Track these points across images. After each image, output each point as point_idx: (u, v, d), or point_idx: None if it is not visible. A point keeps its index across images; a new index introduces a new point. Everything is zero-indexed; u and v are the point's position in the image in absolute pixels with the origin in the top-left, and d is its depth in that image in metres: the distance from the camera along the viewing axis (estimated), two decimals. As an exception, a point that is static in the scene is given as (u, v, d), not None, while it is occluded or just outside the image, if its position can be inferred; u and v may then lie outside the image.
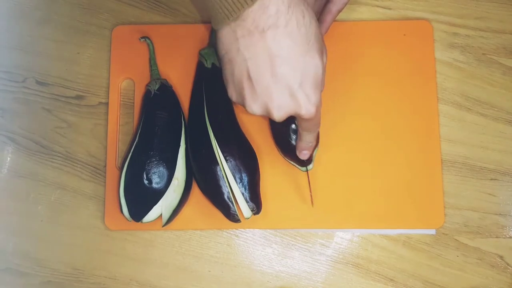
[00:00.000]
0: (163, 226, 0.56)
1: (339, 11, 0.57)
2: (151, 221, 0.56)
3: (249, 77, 0.44)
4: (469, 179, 0.60)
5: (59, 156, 0.62)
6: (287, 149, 0.56)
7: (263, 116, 0.46)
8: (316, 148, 0.57)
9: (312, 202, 0.57)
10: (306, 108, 0.45)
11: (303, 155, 0.54)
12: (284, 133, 0.56)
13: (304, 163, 0.56)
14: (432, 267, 0.59)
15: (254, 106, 0.45)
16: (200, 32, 0.62)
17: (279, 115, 0.45)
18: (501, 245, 0.59)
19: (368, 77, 0.61)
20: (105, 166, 0.60)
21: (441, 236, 0.59)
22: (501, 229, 0.59)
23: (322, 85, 0.46)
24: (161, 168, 0.55)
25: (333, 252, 0.59)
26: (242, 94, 0.46)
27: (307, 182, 0.58)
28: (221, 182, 0.54)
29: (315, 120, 0.47)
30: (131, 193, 0.55)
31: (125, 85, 0.62)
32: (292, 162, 0.57)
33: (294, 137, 0.55)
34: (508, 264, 0.59)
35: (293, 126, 0.55)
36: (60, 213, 0.60)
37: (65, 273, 0.60)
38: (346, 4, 0.57)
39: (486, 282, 0.58)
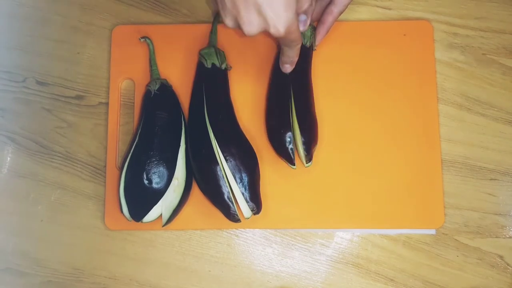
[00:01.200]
0: (163, 226, 0.56)
1: (340, 12, 0.57)
2: (151, 221, 0.56)
3: None
4: (469, 179, 0.60)
5: (59, 156, 0.62)
6: (279, 146, 0.56)
7: (237, 30, 0.47)
8: (315, 146, 0.57)
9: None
10: (274, 27, 0.45)
11: (285, 68, 0.56)
12: (277, 130, 0.56)
13: (293, 161, 0.56)
14: (432, 267, 0.59)
15: (227, 20, 0.46)
16: (200, 32, 0.62)
17: (249, 31, 0.46)
18: (501, 245, 0.59)
19: (368, 77, 0.61)
20: (105, 166, 0.60)
21: (441, 236, 0.59)
22: (501, 229, 0.59)
23: (300, 3, 0.46)
24: (161, 168, 0.55)
25: (333, 252, 0.59)
26: (217, 6, 0.46)
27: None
28: (221, 182, 0.54)
29: (290, 37, 0.48)
30: (131, 193, 0.55)
31: (125, 85, 0.62)
32: (282, 158, 0.57)
33: (286, 135, 0.55)
34: (508, 264, 0.59)
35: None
36: (60, 213, 0.60)
37: (65, 273, 0.60)
38: (347, 6, 0.57)
39: (486, 282, 0.58)
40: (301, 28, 0.56)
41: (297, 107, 0.56)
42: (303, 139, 0.55)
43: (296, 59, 0.55)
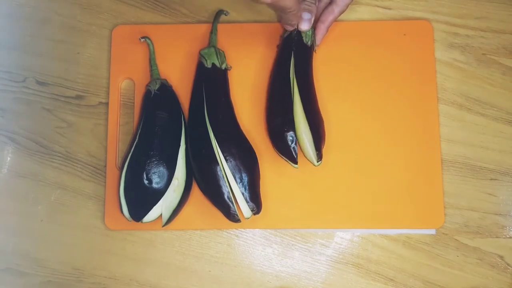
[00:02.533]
0: (163, 226, 0.56)
1: (341, 12, 0.58)
2: (151, 221, 0.56)
3: None
4: (469, 179, 0.60)
5: (59, 156, 0.62)
6: (282, 145, 0.56)
7: None
8: (324, 144, 0.57)
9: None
10: None
11: (287, 27, 0.58)
12: (280, 129, 0.56)
13: (296, 160, 0.56)
14: (432, 267, 0.59)
15: None
16: (200, 32, 0.62)
17: None
18: (501, 245, 0.59)
19: (368, 77, 0.61)
20: (105, 166, 0.60)
21: (441, 236, 0.59)
22: (501, 229, 0.59)
23: None
24: (161, 168, 0.55)
25: (333, 252, 0.59)
26: None
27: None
28: (221, 182, 0.54)
29: (279, 5, 0.50)
30: (131, 193, 0.55)
31: (125, 85, 0.62)
32: (284, 158, 0.57)
33: (289, 134, 0.55)
34: (508, 264, 0.59)
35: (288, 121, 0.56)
36: (60, 213, 0.60)
37: (65, 273, 0.60)
38: (348, 5, 0.57)
39: (486, 282, 0.58)
40: (306, 27, 0.56)
41: (305, 106, 0.56)
42: (313, 138, 0.55)
43: (295, 22, 0.56)
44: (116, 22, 0.64)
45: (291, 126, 0.55)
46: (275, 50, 0.61)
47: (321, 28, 0.58)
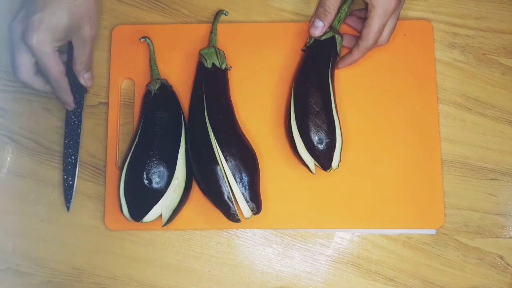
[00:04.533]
0: (163, 226, 0.56)
1: (368, 47, 0.56)
2: (151, 221, 0.56)
3: None
4: (469, 179, 0.60)
5: (59, 156, 0.62)
6: (319, 151, 0.55)
7: None
8: (341, 148, 0.57)
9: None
10: None
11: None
12: (321, 134, 0.55)
13: (329, 167, 0.56)
14: (432, 267, 0.59)
15: None
16: (200, 32, 0.62)
17: None
18: (501, 245, 0.59)
19: (368, 77, 0.61)
20: (105, 166, 0.60)
21: (441, 236, 0.59)
22: (501, 229, 0.59)
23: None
24: (161, 168, 0.55)
25: (333, 252, 0.59)
26: None
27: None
28: (221, 182, 0.54)
29: None
30: (131, 193, 0.55)
31: (125, 85, 0.62)
32: (309, 163, 0.56)
33: (332, 141, 0.55)
34: (508, 264, 0.59)
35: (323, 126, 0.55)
36: (60, 213, 0.60)
37: (65, 273, 0.60)
38: (375, 40, 0.56)
39: (486, 282, 0.58)
40: (314, 33, 0.56)
41: (338, 114, 0.56)
42: (341, 144, 0.56)
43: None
44: (116, 22, 0.64)
45: (334, 133, 0.55)
46: (276, 50, 0.61)
47: (347, 59, 0.59)
